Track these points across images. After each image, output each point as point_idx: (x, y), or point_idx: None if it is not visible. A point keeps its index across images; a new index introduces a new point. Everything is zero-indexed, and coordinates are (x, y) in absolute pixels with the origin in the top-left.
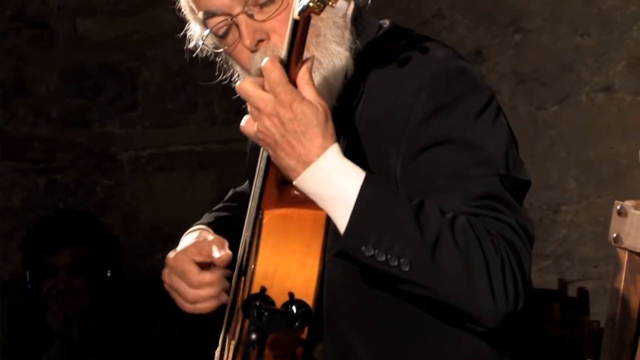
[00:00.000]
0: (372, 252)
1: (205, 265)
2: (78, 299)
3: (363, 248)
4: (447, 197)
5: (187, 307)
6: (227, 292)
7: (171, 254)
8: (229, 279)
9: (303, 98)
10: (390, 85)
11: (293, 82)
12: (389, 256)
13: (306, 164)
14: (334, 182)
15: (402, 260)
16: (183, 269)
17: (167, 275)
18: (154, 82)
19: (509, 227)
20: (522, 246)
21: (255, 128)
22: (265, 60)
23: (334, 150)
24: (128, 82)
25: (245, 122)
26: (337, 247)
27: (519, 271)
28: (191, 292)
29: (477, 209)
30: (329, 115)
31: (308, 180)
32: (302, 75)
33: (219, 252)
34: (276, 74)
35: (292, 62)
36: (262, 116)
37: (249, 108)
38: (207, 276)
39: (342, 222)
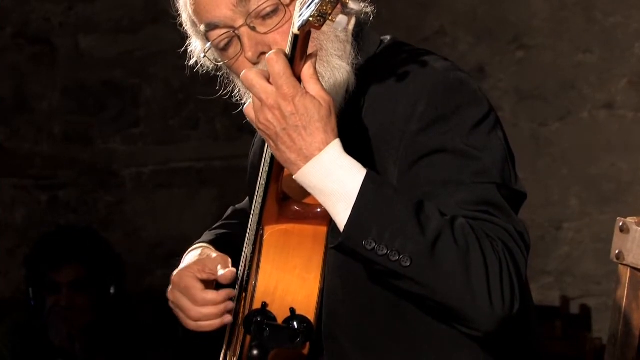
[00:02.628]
0: (372, 246)
1: (209, 283)
2: (81, 316)
3: (364, 242)
4: (445, 203)
5: (190, 325)
6: (231, 313)
7: (175, 272)
8: (233, 299)
9: (306, 92)
10: (390, 98)
11: (297, 80)
12: (389, 250)
13: (307, 158)
14: (335, 176)
15: (402, 255)
16: (187, 285)
17: (170, 292)
18: (156, 99)
19: (506, 232)
20: (518, 251)
21: (256, 118)
22: (270, 52)
23: (336, 145)
24: (130, 99)
25: (248, 105)
26: (336, 241)
27: (515, 275)
28: (194, 310)
29: (475, 213)
30: (332, 110)
31: (308, 174)
32: (306, 70)
33: (223, 270)
34: (280, 65)
35: (296, 60)
36: (264, 108)
37: (252, 98)
38: (211, 295)
39: (342, 217)
